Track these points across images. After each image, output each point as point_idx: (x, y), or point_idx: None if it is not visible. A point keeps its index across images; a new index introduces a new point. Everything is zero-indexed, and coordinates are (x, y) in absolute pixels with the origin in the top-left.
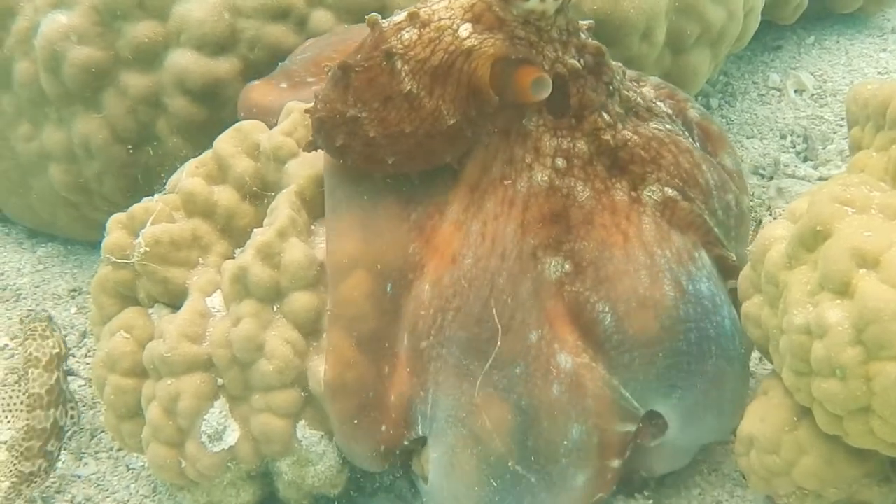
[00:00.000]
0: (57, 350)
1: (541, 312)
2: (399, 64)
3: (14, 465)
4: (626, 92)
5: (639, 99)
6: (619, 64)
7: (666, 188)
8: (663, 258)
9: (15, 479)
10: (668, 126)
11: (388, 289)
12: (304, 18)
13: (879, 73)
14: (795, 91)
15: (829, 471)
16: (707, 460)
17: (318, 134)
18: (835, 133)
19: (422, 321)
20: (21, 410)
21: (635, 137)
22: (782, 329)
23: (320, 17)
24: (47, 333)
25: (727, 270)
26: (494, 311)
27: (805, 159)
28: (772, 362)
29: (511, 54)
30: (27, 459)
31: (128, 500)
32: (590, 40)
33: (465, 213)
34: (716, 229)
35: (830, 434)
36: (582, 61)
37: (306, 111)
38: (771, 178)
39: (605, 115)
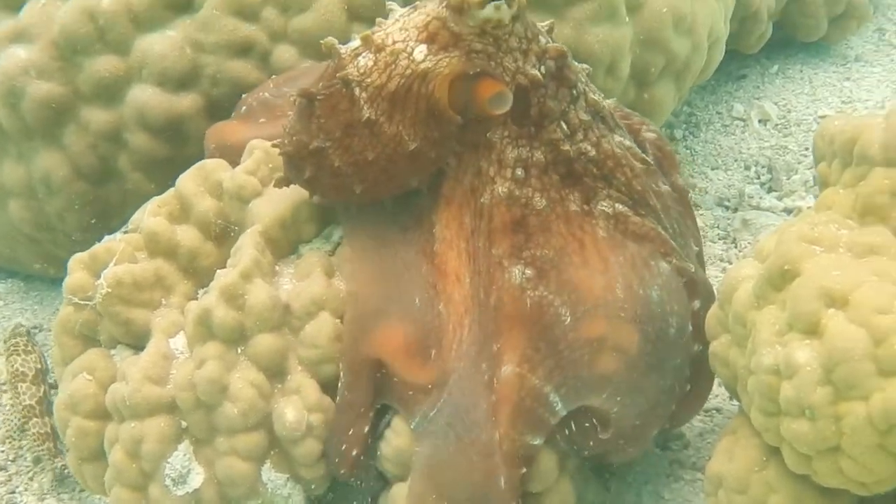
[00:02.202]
0: (39, 365)
1: (502, 321)
2: (357, 91)
3: None
4: (592, 95)
5: (605, 103)
6: (585, 66)
7: (617, 204)
8: (616, 264)
9: None
10: (628, 143)
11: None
12: (267, 54)
13: (843, 101)
14: (759, 121)
15: None
16: (675, 499)
17: (289, 168)
18: (799, 163)
19: (446, 338)
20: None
21: (592, 152)
22: (750, 369)
23: (283, 53)
24: (29, 348)
25: (690, 285)
26: (481, 326)
27: (769, 190)
28: (740, 402)
29: (468, 70)
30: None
31: None
32: (551, 44)
33: (448, 229)
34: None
35: (799, 474)
36: (543, 68)
37: (274, 145)
38: (736, 210)
39: (565, 125)
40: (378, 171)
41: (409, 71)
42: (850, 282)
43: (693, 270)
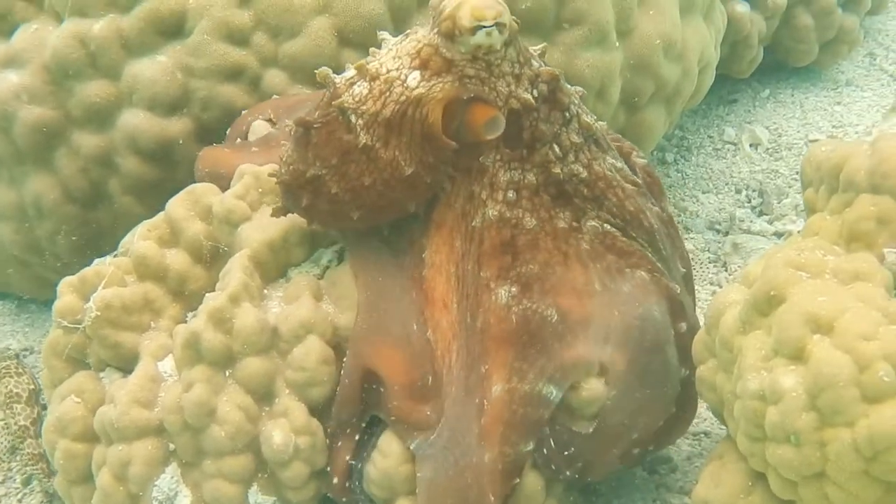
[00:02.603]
0: (32, 386)
1: (488, 343)
2: (353, 118)
3: None
4: (585, 118)
5: (597, 125)
6: (579, 88)
7: (605, 224)
8: (594, 270)
9: None
10: (619, 165)
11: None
12: (258, 79)
13: (834, 126)
14: (751, 145)
15: None
16: None
17: (286, 197)
18: (790, 187)
19: (436, 363)
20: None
21: (584, 173)
22: (736, 394)
23: (273, 78)
24: (20, 370)
25: (675, 306)
26: (469, 350)
27: (760, 214)
28: (727, 426)
29: (462, 95)
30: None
31: None
32: (543, 68)
33: (438, 254)
34: (659, 264)
35: (785, 499)
36: (535, 92)
37: (271, 175)
38: (727, 234)
39: (557, 148)
40: (375, 196)
41: (403, 97)
42: (836, 308)
43: (678, 291)
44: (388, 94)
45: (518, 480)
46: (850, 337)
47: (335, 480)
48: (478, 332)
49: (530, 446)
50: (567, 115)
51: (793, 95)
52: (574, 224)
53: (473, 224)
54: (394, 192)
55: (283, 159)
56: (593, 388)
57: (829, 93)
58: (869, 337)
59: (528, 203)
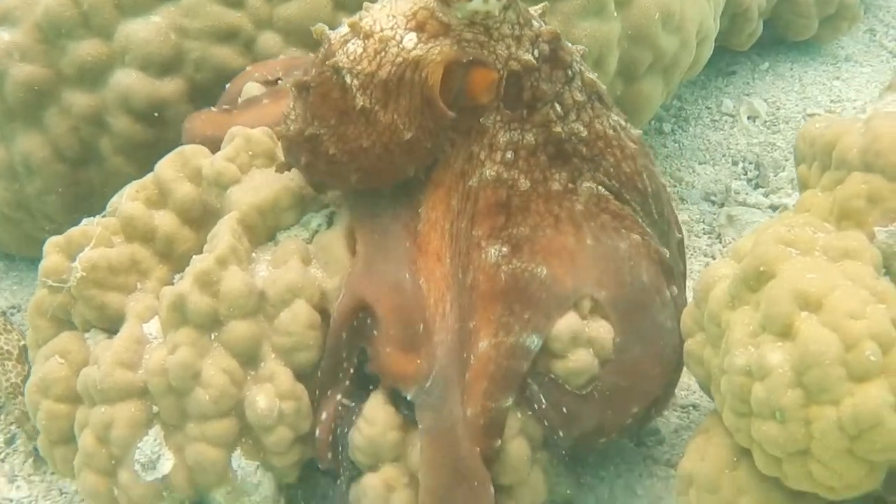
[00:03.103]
0: (22, 342)
1: (477, 300)
2: (348, 79)
3: None
4: (588, 75)
5: (600, 83)
6: (581, 46)
7: (599, 187)
8: (587, 227)
9: None
10: (623, 123)
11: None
12: (252, 41)
13: (832, 101)
14: (748, 117)
15: None
16: (648, 495)
17: (287, 153)
18: (787, 160)
19: (428, 311)
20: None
21: (584, 132)
22: (723, 369)
23: (268, 40)
24: (9, 327)
25: (665, 269)
26: (460, 305)
27: (756, 186)
28: (714, 401)
29: (461, 58)
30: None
31: None
32: (544, 27)
33: (434, 211)
34: (649, 229)
35: (770, 476)
36: (537, 52)
37: (274, 130)
38: (722, 205)
39: (558, 107)
40: (374, 159)
41: (399, 59)
42: (825, 285)
43: (668, 256)
44: (383, 54)
45: (500, 442)
46: (837, 315)
47: (319, 434)
48: (468, 288)
49: (510, 401)
50: (569, 73)
51: (792, 69)
52: (570, 185)
53: (470, 184)
54: (393, 156)
55: (286, 115)
56: (580, 357)
57: (828, 67)
58: (857, 315)
59: (524, 164)
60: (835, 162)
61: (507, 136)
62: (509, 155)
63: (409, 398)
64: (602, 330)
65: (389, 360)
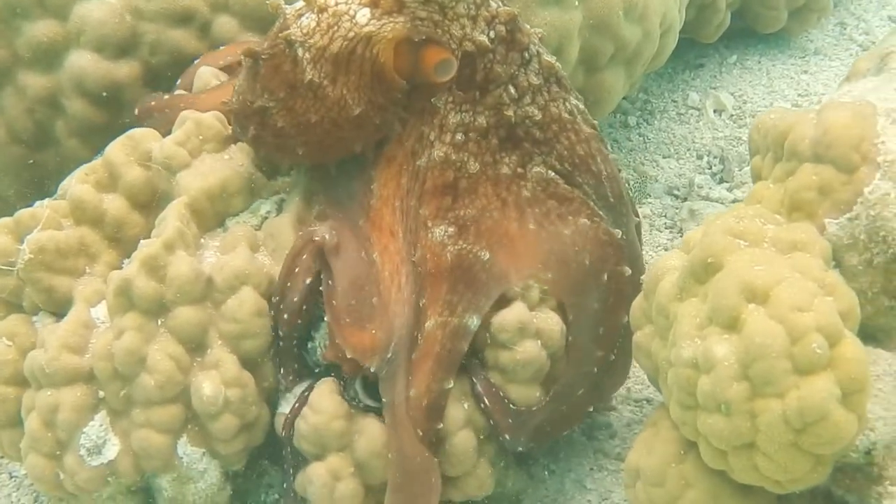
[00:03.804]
0: None
1: (425, 278)
2: (300, 52)
3: None
4: (546, 58)
5: (558, 66)
6: (538, 30)
7: (549, 171)
8: (531, 213)
9: None
10: (581, 107)
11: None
12: (208, 24)
13: (799, 94)
14: (714, 111)
15: None
16: (598, 489)
17: (235, 125)
18: None
19: (383, 284)
20: None
21: (538, 115)
22: (670, 361)
23: (224, 24)
24: None
25: (616, 249)
26: (409, 283)
27: (721, 181)
28: (662, 394)
29: (413, 36)
30: None
31: None
32: (501, 8)
33: (386, 188)
34: (602, 212)
35: (716, 469)
36: (493, 33)
37: (223, 103)
38: (685, 200)
39: (512, 89)
40: (321, 133)
41: (351, 34)
42: (773, 277)
43: (620, 236)
44: (336, 28)
45: (442, 424)
46: (784, 307)
47: (282, 385)
48: (416, 263)
49: (452, 383)
50: (526, 55)
51: (760, 62)
52: (519, 170)
53: (419, 163)
54: (341, 132)
55: (235, 88)
56: (528, 349)
57: (796, 61)
58: (803, 308)
59: (474, 146)
60: (786, 153)
61: (457, 118)
62: (459, 137)
63: (373, 369)
64: (551, 321)
65: (347, 333)
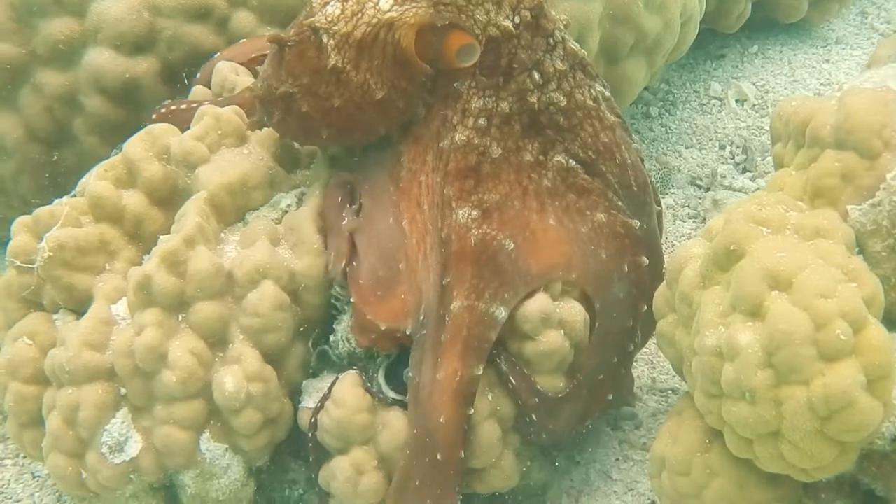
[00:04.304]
0: None
1: (450, 257)
2: (325, 38)
3: None
4: (571, 44)
5: (583, 53)
6: (563, 17)
7: (571, 160)
8: (552, 207)
9: None
10: (607, 94)
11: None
12: (226, 19)
13: (821, 84)
14: (736, 101)
15: (740, 495)
16: (623, 479)
17: (261, 110)
18: None
19: (411, 250)
20: None
21: (563, 101)
22: (694, 350)
23: (242, 18)
24: None
25: (634, 240)
26: (435, 254)
27: (744, 170)
28: (686, 382)
29: (436, 21)
30: None
31: None
32: None
33: (414, 163)
34: (621, 202)
35: (742, 458)
36: (518, 18)
37: (249, 88)
38: (708, 189)
39: (536, 75)
40: (345, 118)
41: (375, 20)
42: (795, 264)
43: (639, 227)
44: (360, 15)
45: (472, 410)
46: (808, 294)
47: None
48: (443, 241)
49: (481, 370)
50: (551, 41)
51: (781, 52)
52: (540, 158)
53: (442, 145)
54: (364, 115)
55: (261, 74)
56: (551, 339)
57: (818, 50)
58: (827, 295)
59: (497, 132)
60: (808, 140)
61: (480, 103)
62: (482, 121)
63: (408, 332)
64: (573, 311)
65: (378, 308)
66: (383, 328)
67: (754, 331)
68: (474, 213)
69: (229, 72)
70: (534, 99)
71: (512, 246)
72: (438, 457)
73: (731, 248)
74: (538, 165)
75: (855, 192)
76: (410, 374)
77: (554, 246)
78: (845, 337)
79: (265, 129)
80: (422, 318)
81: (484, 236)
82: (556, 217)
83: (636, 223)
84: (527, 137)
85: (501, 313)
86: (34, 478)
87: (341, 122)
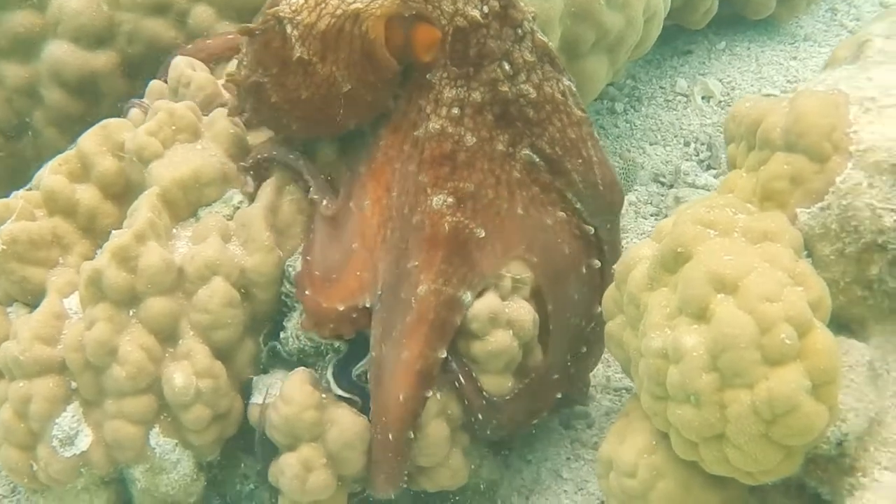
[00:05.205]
0: None
1: (421, 242)
2: (289, 29)
3: None
4: (539, 36)
5: (551, 45)
6: (532, 8)
7: (535, 156)
8: (519, 196)
9: None
10: (573, 89)
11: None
12: (185, 13)
13: (788, 81)
14: (703, 97)
15: (687, 497)
16: (574, 479)
17: (238, 97)
18: None
19: (370, 230)
20: None
21: (533, 94)
22: (641, 352)
23: (201, 13)
24: None
25: (586, 242)
26: (401, 240)
27: (708, 168)
28: (634, 384)
29: (403, 12)
30: None
31: None
32: None
33: (391, 149)
34: (579, 205)
35: (688, 460)
36: (486, 8)
37: (227, 74)
38: (671, 187)
39: (507, 66)
40: (313, 110)
41: (339, 11)
42: (742, 267)
43: (592, 232)
44: (323, 5)
45: (430, 393)
46: (753, 298)
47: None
48: (413, 228)
49: (444, 353)
50: (520, 31)
51: (749, 48)
52: (510, 150)
53: (417, 133)
54: (332, 109)
55: (238, 59)
56: (499, 339)
57: (786, 47)
58: (773, 298)
59: (470, 121)
60: (759, 142)
61: (452, 93)
62: (455, 111)
63: (367, 306)
64: (522, 311)
65: (331, 292)
66: (341, 308)
67: (699, 333)
68: (450, 199)
69: (185, 66)
70: (505, 88)
71: (483, 234)
72: (390, 437)
73: (679, 250)
74: (509, 157)
75: (804, 196)
76: (371, 352)
77: (520, 231)
78: (790, 341)
79: (219, 124)
80: (379, 293)
81: (457, 224)
82: (524, 206)
83: (590, 229)
84: (498, 128)
85: (468, 298)
86: None
87: (309, 114)
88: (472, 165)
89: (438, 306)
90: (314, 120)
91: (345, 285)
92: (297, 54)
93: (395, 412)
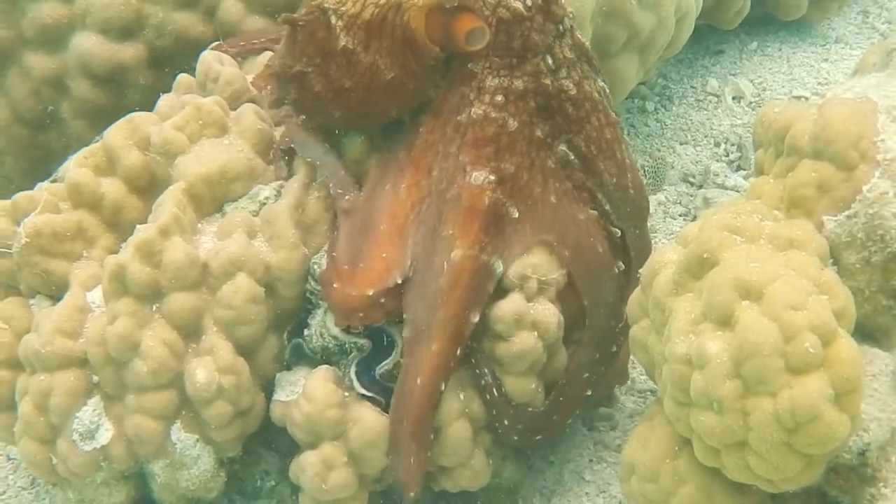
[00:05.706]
0: None
1: (458, 212)
2: (333, 19)
3: None
4: (578, 35)
5: (588, 45)
6: (570, 8)
7: (570, 153)
8: (553, 186)
9: None
10: (607, 90)
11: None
12: (214, 7)
13: (819, 83)
14: (733, 98)
15: (708, 503)
16: (596, 481)
17: (279, 88)
18: None
19: (402, 210)
20: None
21: (573, 90)
22: (665, 357)
23: (230, 7)
24: None
25: (613, 245)
26: (437, 212)
27: (737, 168)
28: (658, 388)
29: (445, 3)
30: None
31: (4, 492)
32: None
33: (431, 134)
34: (618, 203)
35: (709, 466)
36: (529, 1)
37: (266, 65)
38: (700, 187)
39: (549, 59)
40: (356, 99)
41: (382, 1)
42: (768, 274)
43: (619, 235)
44: None
45: (459, 351)
46: (778, 305)
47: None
48: (447, 200)
49: (476, 318)
50: (560, 28)
51: (780, 50)
52: (548, 140)
53: (460, 118)
54: (374, 97)
55: (278, 51)
56: (524, 340)
57: (817, 49)
58: (797, 307)
59: (513, 107)
60: (787, 148)
61: (496, 82)
62: (499, 98)
63: (399, 282)
64: (547, 312)
65: (358, 279)
66: (370, 293)
67: (724, 340)
68: (491, 177)
69: (213, 61)
70: (548, 81)
71: (517, 215)
72: (419, 385)
73: (705, 255)
74: (546, 146)
75: (831, 203)
76: (404, 314)
77: (552, 218)
78: (814, 350)
79: (247, 119)
80: (409, 262)
81: (496, 200)
82: (557, 196)
83: (617, 231)
84: (539, 117)
85: (500, 267)
86: (9, 460)
87: (352, 104)
88: (513, 149)
89: (474, 271)
90: (357, 109)
91: (372, 270)
92: (342, 44)
93: (429, 363)
